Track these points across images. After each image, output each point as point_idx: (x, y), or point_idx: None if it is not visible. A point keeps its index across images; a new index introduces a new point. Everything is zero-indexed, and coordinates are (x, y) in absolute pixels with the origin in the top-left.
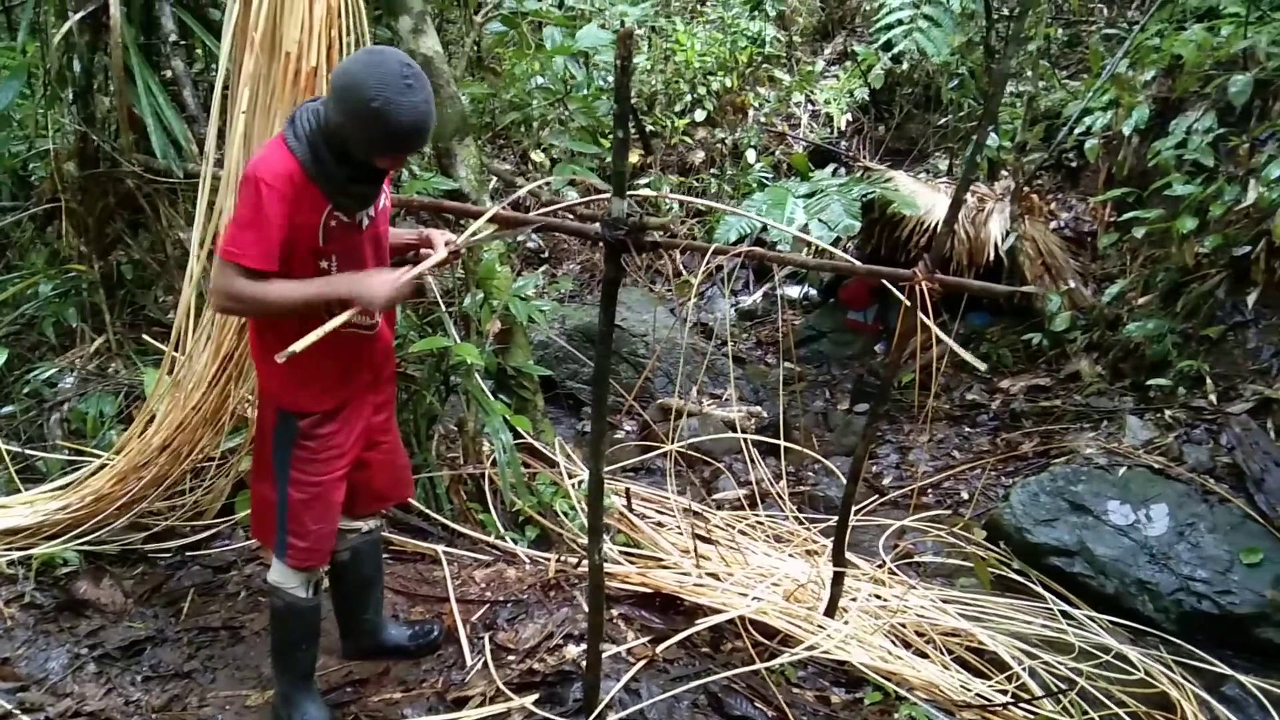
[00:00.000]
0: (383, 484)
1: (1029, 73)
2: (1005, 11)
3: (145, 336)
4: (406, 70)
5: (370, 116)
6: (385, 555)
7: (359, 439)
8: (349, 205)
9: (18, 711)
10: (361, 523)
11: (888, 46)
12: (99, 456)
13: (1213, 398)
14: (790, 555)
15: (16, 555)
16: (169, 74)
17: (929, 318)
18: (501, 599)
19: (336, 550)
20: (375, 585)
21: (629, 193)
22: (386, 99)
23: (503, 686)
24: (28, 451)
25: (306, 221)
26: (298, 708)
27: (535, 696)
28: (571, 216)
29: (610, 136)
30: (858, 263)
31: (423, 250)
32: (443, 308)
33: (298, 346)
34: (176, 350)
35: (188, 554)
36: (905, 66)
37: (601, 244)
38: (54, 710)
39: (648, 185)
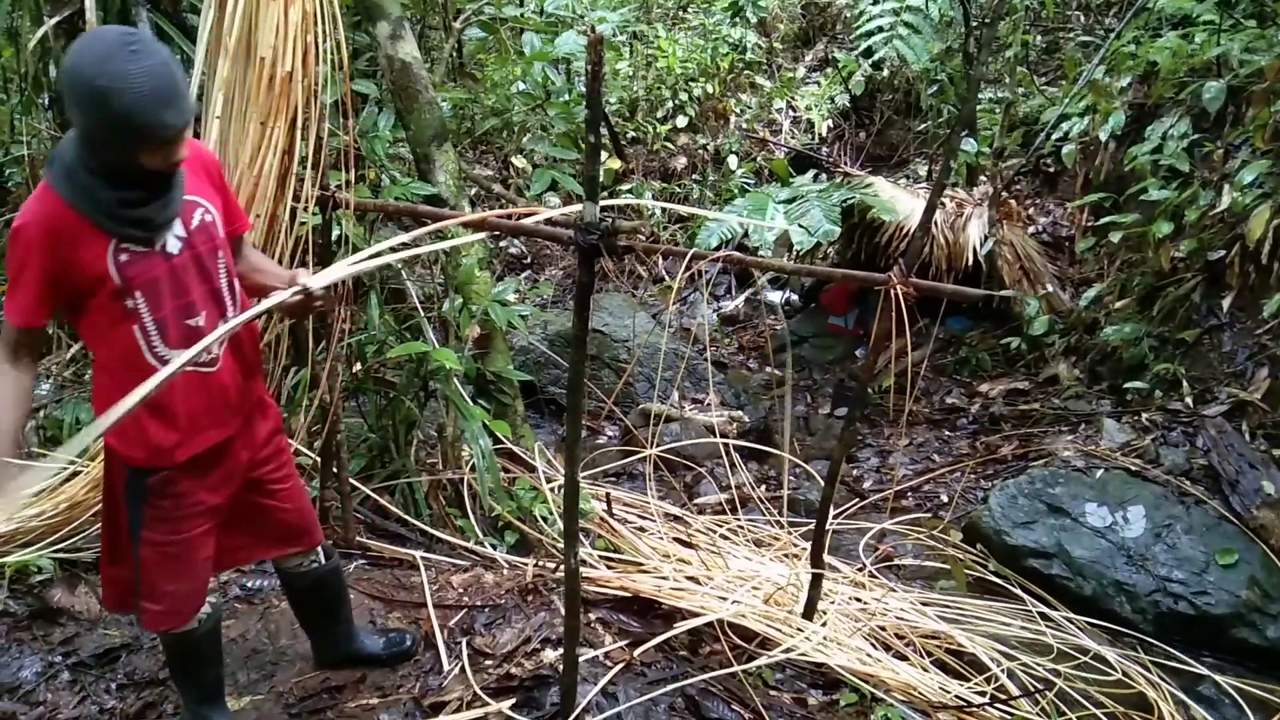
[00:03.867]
0: (279, 532)
1: (1007, 79)
2: (985, 19)
3: None
4: (128, 38)
5: (98, 100)
6: (362, 561)
7: (229, 488)
8: (135, 233)
9: None
10: (301, 559)
11: (868, 53)
12: (74, 463)
13: (1189, 400)
14: (770, 559)
15: None
16: None
17: (905, 322)
18: (479, 604)
19: (295, 581)
20: (341, 605)
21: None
22: (110, 73)
23: (480, 691)
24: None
25: (87, 260)
26: None
27: (512, 701)
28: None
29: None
30: (835, 268)
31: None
32: (421, 313)
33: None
34: None
35: None
36: (886, 73)
37: (575, 249)
38: (27, 719)
39: (629, 192)
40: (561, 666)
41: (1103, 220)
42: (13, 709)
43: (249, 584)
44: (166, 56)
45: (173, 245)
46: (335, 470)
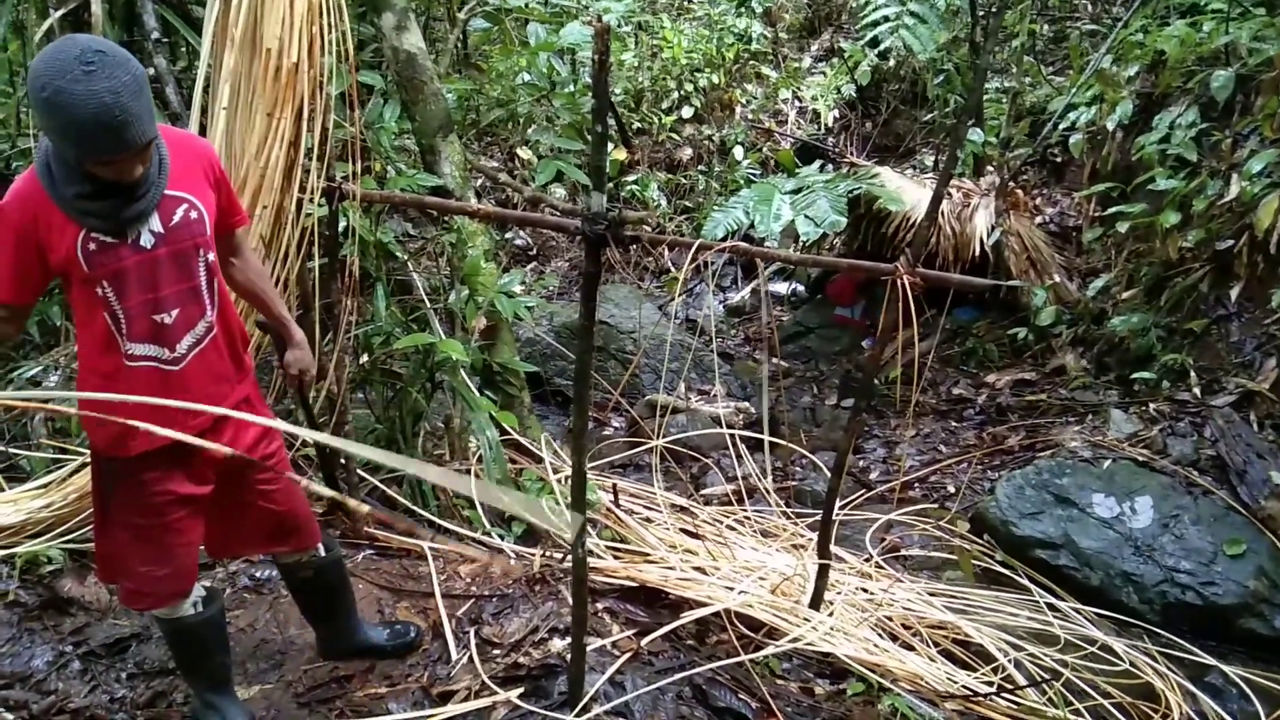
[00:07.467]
0: (266, 531)
1: (1014, 69)
2: (991, 8)
3: None
4: (90, 55)
5: (44, 110)
6: (370, 551)
7: (206, 482)
8: (102, 226)
9: (1, 709)
10: (298, 555)
11: (874, 43)
12: (83, 454)
13: (1196, 391)
14: (777, 549)
15: (0, 554)
16: (151, 71)
17: (912, 312)
18: (487, 594)
19: (300, 570)
20: (342, 596)
21: None
22: (57, 88)
23: (488, 680)
24: (11, 450)
25: (59, 246)
26: (218, 712)
27: (520, 690)
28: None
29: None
30: (841, 259)
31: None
32: (428, 304)
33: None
34: None
35: None
36: (892, 63)
37: (581, 239)
38: (38, 707)
39: (635, 183)
40: (569, 656)
41: (1110, 210)
42: (24, 697)
43: (258, 574)
44: (123, 82)
45: (146, 239)
46: (343, 461)
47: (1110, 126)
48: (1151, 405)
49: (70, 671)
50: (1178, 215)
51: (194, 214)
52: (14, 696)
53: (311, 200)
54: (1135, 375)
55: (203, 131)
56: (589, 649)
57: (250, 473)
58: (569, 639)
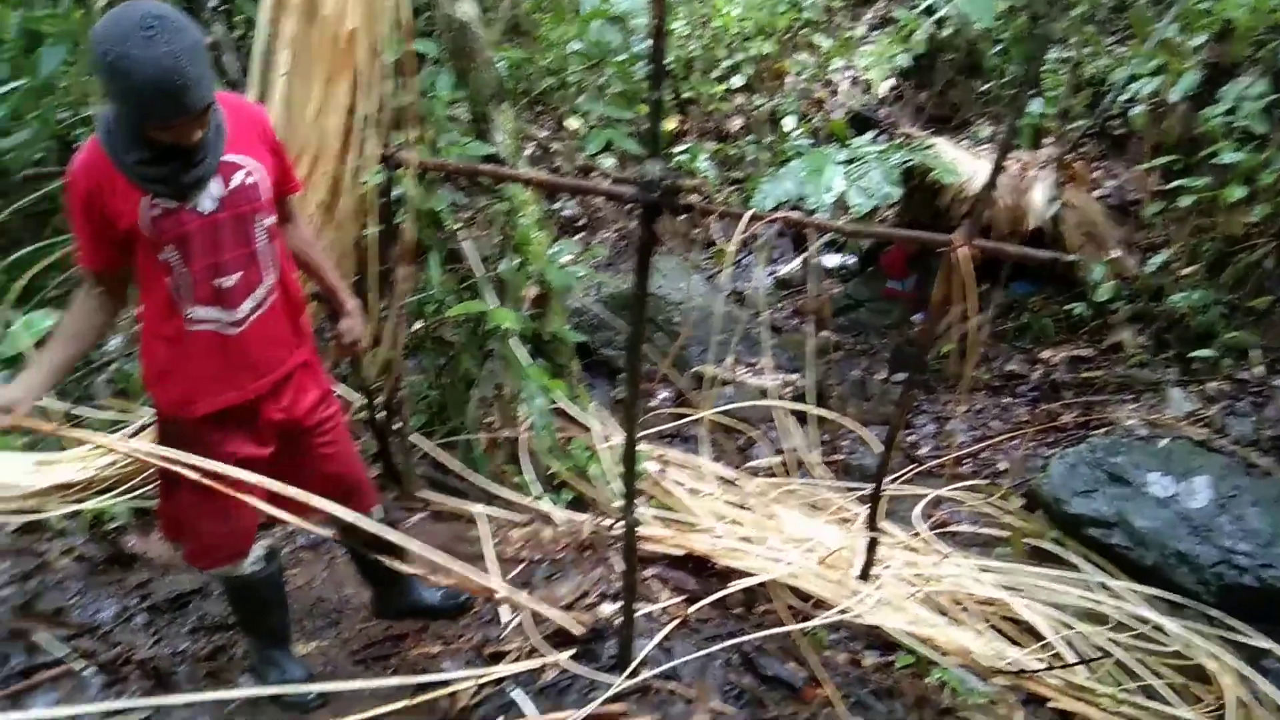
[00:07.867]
0: (324, 493)
1: (1074, 38)
2: None
3: None
4: (150, 20)
5: (106, 75)
6: (423, 515)
7: (266, 444)
8: (164, 191)
9: (71, 658)
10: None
11: (930, 11)
12: (145, 414)
13: (1258, 370)
14: (825, 522)
15: (68, 509)
16: (210, 38)
17: (972, 284)
18: (538, 558)
19: (357, 532)
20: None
21: None
22: (119, 53)
23: (538, 642)
24: (76, 410)
25: (123, 212)
26: (277, 666)
27: (571, 652)
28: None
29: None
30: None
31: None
32: (480, 273)
33: None
34: None
35: None
36: (948, 32)
37: (636, 207)
38: (105, 657)
39: (685, 153)
40: (618, 620)
41: (1172, 184)
42: (93, 647)
43: (315, 534)
44: (183, 46)
45: (207, 204)
46: (399, 426)
47: (1174, 98)
48: (1211, 384)
49: (135, 624)
50: (1243, 189)
51: (251, 179)
52: (83, 646)
53: (367, 168)
54: (1195, 353)
55: (262, 99)
56: (637, 614)
57: (309, 436)
58: (618, 604)
